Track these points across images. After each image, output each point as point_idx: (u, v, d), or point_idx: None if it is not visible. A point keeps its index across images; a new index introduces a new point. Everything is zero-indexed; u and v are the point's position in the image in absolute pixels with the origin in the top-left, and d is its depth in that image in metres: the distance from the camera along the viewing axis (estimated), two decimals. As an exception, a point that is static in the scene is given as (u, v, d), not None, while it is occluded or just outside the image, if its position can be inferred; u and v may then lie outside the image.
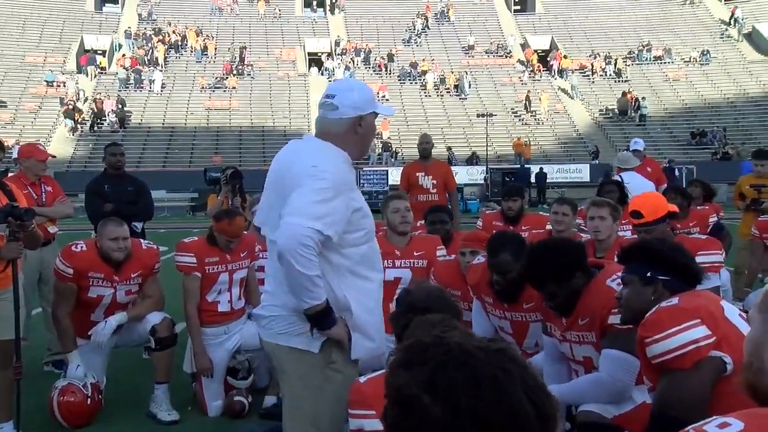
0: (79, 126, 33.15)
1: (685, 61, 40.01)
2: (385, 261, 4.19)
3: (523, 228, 5.51)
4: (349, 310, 2.58)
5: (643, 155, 7.87)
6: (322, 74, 38.72)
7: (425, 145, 7.38)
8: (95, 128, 33.36)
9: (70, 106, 33.07)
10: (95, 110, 33.89)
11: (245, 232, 4.76)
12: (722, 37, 42.19)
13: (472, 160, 31.07)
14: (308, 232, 2.38)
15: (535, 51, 41.45)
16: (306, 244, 2.37)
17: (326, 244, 2.46)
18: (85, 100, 35.71)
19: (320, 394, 2.58)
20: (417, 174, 7.23)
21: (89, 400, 4.24)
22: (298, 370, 2.60)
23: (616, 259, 2.88)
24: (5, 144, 4.41)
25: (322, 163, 2.52)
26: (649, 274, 2.52)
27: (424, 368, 1.11)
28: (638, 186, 6.61)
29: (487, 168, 28.21)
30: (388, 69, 39.07)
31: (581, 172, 28.91)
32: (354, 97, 2.65)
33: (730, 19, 42.80)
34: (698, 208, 6.45)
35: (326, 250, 2.50)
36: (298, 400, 2.62)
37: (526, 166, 28.40)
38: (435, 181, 7.18)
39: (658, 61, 40.10)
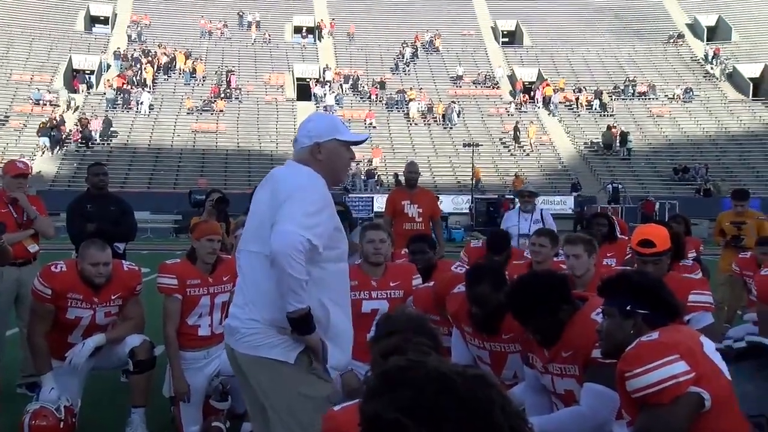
0: (59, 145, 32.95)
1: (668, 98, 40.67)
2: (362, 293, 4.18)
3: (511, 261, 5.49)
4: (327, 320, 2.76)
5: None
6: (310, 100, 38.91)
7: (412, 174, 7.38)
8: (65, 146, 33.11)
9: (48, 125, 32.83)
10: (80, 129, 33.76)
11: (227, 256, 4.73)
12: (705, 77, 43.00)
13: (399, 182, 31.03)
14: (300, 239, 2.57)
15: (522, 83, 41.96)
16: (298, 249, 2.56)
17: (310, 256, 2.63)
18: (76, 109, 35.67)
19: (304, 400, 2.68)
20: (403, 202, 7.22)
21: (62, 423, 4.16)
22: (277, 379, 2.71)
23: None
24: None
25: (311, 180, 2.76)
26: (629, 308, 2.53)
27: (404, 392, 1.09)
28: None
29: (472, 198, 28.35)
30: (379, 96, 39.33)
31: (565, 204, 29.11)
32: (309, 126, 2.89)
33: (712, 59, 43.70)
34: None
35: (308, 263, 2.64)
36: (282, 410, 2.71)
37: (508, 196, 28.52)
38: (421, 210, 7.18)
39: (643, 97, 40.72)
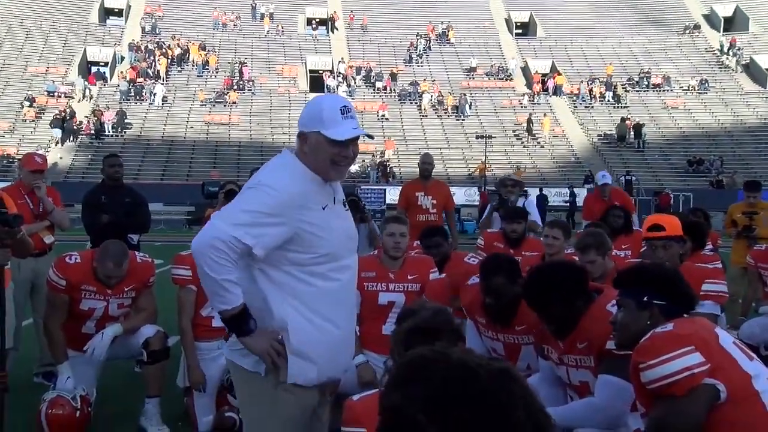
0: (72, 137, 33.16)
1: (683, 90, 40.31)
2: (379, 284, 4.17)
3: (524, 252, 5.50)
4: (285, 329, 2.48)
5: (610, 188, 7.79)
6: (323, 91, 38.92)
7: (426, 165, 7.36)
8: (78, 138, 33.32)
9: (59, 117, 33.07)
10: (93, 121, 33.97)
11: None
12: (720, 68, 42.58)
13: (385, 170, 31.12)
14: (222, 236, 2.35)
15: (536, 73, 41.74)
16: (216, 247, 2.34)
17: (269, 259, 2.44)
18: (90, 98, 36.03)
19: (270, 419, 2.54)
20: (416, 194, 7.22)
21: (78, 412, 4.20)
22: (247, 390, 2.60)
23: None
24: None
25: (271, 179, 2.49)
26: (645, 299, 2.52)
27: (425, 385, 1.09)
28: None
29: (485, 189, 28.25)
30: (392, 88, 39.26)
31: (579, 197, 28.99)
32: (302, 113, 2.60)
33: (728, 49, 43.24)
34: None
35: (267, 266, 2.47)
36: (249, 423, 2.63)
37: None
38: (434, 201, 7.17)
39: (657, 89, 40.39)
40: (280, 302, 2.48)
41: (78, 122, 33.67)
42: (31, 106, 34.71)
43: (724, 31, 45.63)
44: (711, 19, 47.01)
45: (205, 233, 2.41)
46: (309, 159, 2.54)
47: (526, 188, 7.83)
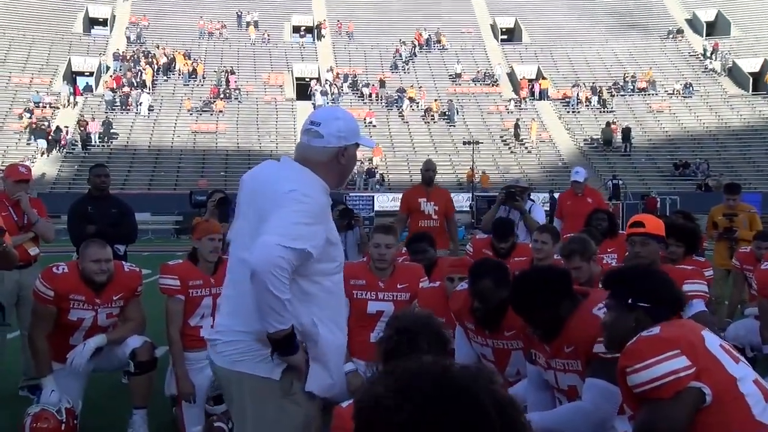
0: (57, 147, 32.93)
1: (668, 94, 40.64)
2: (368, 293, 4.17)
3: (513, 258, 5.50)
4: (315, 339, 2.51)
5: (584, 186, 7.77)
6: (309, 99, 38.92)
7: (430, 172, 7.35)
8: (64, 149, 33.14)
9: (42, 126, 32.77)
10: (78, 131, 33.76)
11: (226, 257, 4.73)
12: (704, 72, 42.98)
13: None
14: (285, 253, 2.32)
15: (523, 78, 41.93)
16: (281, 266, 2.31)
17: (299, 270, 2.42)
18: (75, 104, 35.85)
19: (275, 426, 2.51)
20: (419, 200, 7.21)
21: (63, 425, 4.15)
22: (255, 399, 2.51)
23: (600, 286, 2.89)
24: None
25: (303, 188, 2.49)
26: (630, 301, 2.53)
27: (395, 376, 1.10)
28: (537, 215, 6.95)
29: (473, 195, 28.33)
30: (380, 96, 39.30)
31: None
32: (340, 126, 2.60)
33: (711, 54, 43.68)
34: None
35: (298, 277, 2.45)
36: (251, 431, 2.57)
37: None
38: (437, 207, 7.17)
39: (642, 93, 40.69)
40: (306, 312, 2.50)
41: (52, 132, 33.12)
42: (30, 117, 34.37)
43: (706, 36, 46.09)
44: (693, 23, 47.48)
45: (268, 252, 2.32)
46: (339, 169, 2.62)
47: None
